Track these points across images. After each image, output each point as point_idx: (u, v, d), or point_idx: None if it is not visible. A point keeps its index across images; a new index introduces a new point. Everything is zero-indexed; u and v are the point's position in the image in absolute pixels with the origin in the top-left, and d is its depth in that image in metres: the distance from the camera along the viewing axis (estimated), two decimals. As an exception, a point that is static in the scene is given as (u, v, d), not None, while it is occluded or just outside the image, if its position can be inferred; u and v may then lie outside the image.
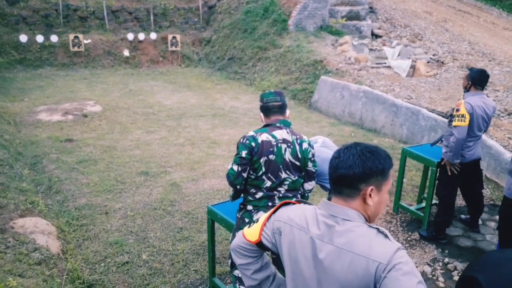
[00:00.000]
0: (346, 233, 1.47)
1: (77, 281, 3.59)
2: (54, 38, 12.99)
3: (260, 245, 1.73)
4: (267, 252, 1.82)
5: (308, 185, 2.94)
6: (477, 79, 4.14)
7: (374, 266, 1.39)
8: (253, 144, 2.71)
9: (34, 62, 12.75)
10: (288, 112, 2.95)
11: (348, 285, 1.43)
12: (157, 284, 3.71)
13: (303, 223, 1.58)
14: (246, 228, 1.80)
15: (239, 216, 2.88)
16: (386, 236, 1.46)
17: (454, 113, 4.10)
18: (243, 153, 2.72)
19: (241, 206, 2.90)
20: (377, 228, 1.47)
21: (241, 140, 2.77)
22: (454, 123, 4.08)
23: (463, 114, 4.03)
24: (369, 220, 1.54)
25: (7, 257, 3.45)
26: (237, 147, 2.78)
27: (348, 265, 1.43)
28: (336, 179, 1.54)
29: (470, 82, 4.18)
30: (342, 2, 13.75)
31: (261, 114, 2.93)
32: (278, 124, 2.82)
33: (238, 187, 2.81)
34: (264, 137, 2.74)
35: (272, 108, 2.85)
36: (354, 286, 1.43)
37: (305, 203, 1.71)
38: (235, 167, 2.74)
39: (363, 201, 1.51)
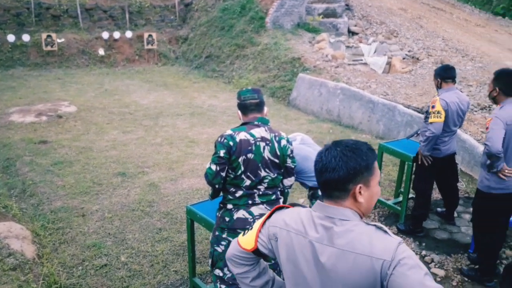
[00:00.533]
0: (345, 234, 1.46)
1: (54, 286, 3.52)
2: (26, 38, 12.67)
3: (256, 252, 1.70)
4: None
5: (287, 181, 2.94)
6: (444, 73, 4.24)
7: (379, 263, 1.38)
8: (231, 143, 2.69)
9: (5, 62, 12.41)
10: (266, 109, 2.94)
11: (353, 285, 1.43)
12: (137, 286, 3.66)
13: (299, 227, 1.56)
14: (240, 237, 1.76)
15: (219, 215, 2.86)
16: (385, 231, 1.45)
17: (430, 110, 4.17)
18: (221, 152, 2.69)
19: (221, 205, 2.89)
20: (375, 225, 1.47)
21: (219, 139, 2.74)
22: (430, 120, 4.15)
23: (438, 111, 4.11)
24: (362, 215, 1.53)
25: (-20, 264, 3.35)
26: (215, 146, 2.75)
27: (352, 265, 1.42)
28: (323, 183, 1.53)
29: (439, 79, 4.28)
30: (318, 0, 13.84)
31: (239, 112, 2.90)
32: (256, 122, 2.80)
33: (217, 186, 2.78)
34: (242, 135, 2.72)
35: (249, 106, 2.83)
36: (359, 286, 1.42)
37: (299, 206, 1.69)
38: (213, 167, 2.71)
39: (354, 200, 1.50)
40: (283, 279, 1.70)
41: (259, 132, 2.77)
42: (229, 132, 2.75)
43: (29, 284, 3.33)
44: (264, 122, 2.83)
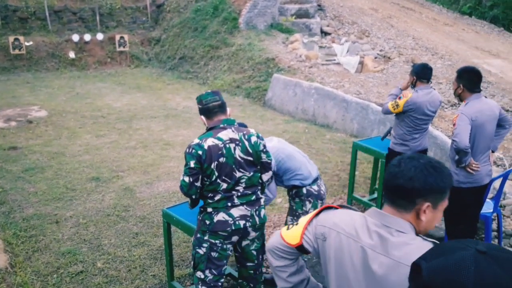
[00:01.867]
0: (402, 246, 1.42)
1: (27, 296, 3.43)
2: (-8, 41, 12.30)
3: (300, 248, 1.68)
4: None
5: (265, 176, 2.93)
6: (421, 73, 4.33)
7: None
8: (199, 152, 2.66)
9: (-29, 66, 12.02)
10: (229, 110, 2.92)
11: None
12: (114, 292, 3.61)
13: (351, 231, 1.53)
14: (284, 230, 1.74)
15: (200, 219, 2.86)
16: None
17: (397, 99, 4.29)
18: (192, 163, 2.66)
19: (201, 209, 2.88)
20: (432, 241, 1.44)
21: (187, 150, 2.71)
22: (389, 104, 4.31)
23: (398, 104, 4.26)
24: (418, 233, 1.50)
25: None
26: (185, 158, 2.72)
27: (405, 278, 1.35)
28: (392, 188, 1.49)
29: (415, 77, 4.36)
30: (291, 0, 13.94)
31: (203, 117, 2.86)
32: (221, 125, 2.77)
33: (194, 196, 2.77)
34: (210, 142, 2.69)
35: (213, 109, 2.80)
36: None
37: (348, 208, 1.66)
38: (186, 178, 2.69)
39: (416, 216, 1.46)
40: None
41: (226, 134, 2.74)
42: (196, 141, 2.72)
43: (2, 294, 3.24)
44: (230, 123, 2.80)
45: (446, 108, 7.76)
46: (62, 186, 5.51)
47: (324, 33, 13.36)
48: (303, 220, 1.72)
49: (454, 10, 18.89)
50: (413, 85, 4.39)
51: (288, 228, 1.75)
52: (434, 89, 4.42)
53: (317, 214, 1.68)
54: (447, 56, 11.29)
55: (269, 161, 2.90)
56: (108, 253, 4.14)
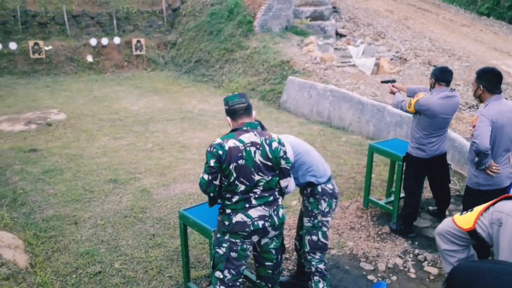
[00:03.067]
0: None
1: (47, 295, 3.49)
2: (13, 46, 12.57)
3: (472, 233, 1.70)
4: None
5: (283, 182, 2.95)
6: (439, 75, 4.28)
7: None
8: (220, 152, 2.71)
9: (-7, 70, 12.30)
10: (254, 113, 2.96)
11: None
12: (131, 293, 3.65)
13: None
14: (457, 216, 1.77)
15: (220, 219, 2.92)
16: None
17: (412, 98, 4.30)
18: (211, 162, 2.73)
19: (221, 210, 2.93)
20: None
21: (209, 149, 2.77)
22: (407, 103, 4.34)
23: (410, 103, 4.27)
24: None
25: (-29, 275, 3.32)
26: (206, 156, 2.78)
27: None
28: None
29: (433, 79, 4.32)
30: (306, 3, 13.92)
31: (228, 118, 2.92)
32: (244, 128, 2.81)
33: (212, 194, 2.82)
34: (231, 143, 2.74)
35: (238, 111, 2.85)
36: None
37: None
38: (206, 176, 2.75)
39: None
40: None
41: (248, 137, 2.78)
42: (218, 141, 2.78)
43: (23, 293, 3.30)
44: (253, 127, 2.85)
45: (464, 110, 7.65)
46: (80, 188, 5.60)
47: (339, 35, 13.31)
48: (479, 207, 1.75)
49: (471, 11, 18.64)
50: (432, 87, 4.35)
51: (461, 214, 1.78)
52: (455, 94, 4.31)
53: (494, 203, 1.69)
54: (464, 58, 11.14)
55: (288, 167, 2.92)
56: (125, 254, 4.19)
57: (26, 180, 5.79)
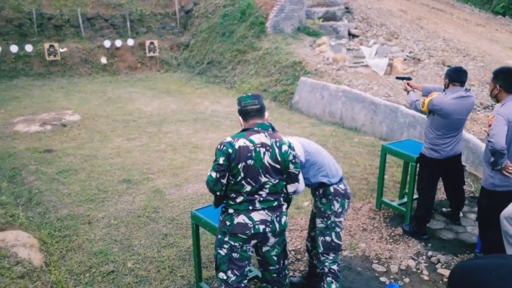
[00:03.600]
0: None
1: (62, 293, 3.54)
2: (28, 48, 12.78)
3: None
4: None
5: (290, 187, 2.93)
6: (453, 75, 4.23)
7: None
8: (230, 150, 2.70)
9: (9, 72, 12.52)
10: (267, 114, 2.95)
11: None
12: (144, 292, 3.68)
13: None
14: None
15: (221, 219, 2.89)
16: None
17: (426, 98, 4.27)
18: (220, 160, 2.71)
19: (223, 209, 2.91)
20: None
21: (218, 147, 2.76)
22: (421, 102, 4.31)
23: (423, 103, 4.25)
24: None
25: (-12, 273, 3.38)
26: (215, 154, 2.77)
27: None
28: None
29: (447, 80, 4.27)
30: (318, 3, 13.89)
31: (240, 118, 2.92)
32: (256, 128, 2.80)
33: (218, 193, 2.80)
34: (241, 142, 2.73)
35: (250, 112, 2.84)
36: None
37: None
38: (213, 174, 2.73)
39: None
40: None
41: (258, 138, 2.77)
42: (228, 139, 2.77)
43: (38, 292, 3.35)
44: (265, 128, 2.83)
45: (479, 110, 7.55)
46: (94, 188, 5.66)
47: (352, 36, 13.25)
48: None
49: (486, 10, 18.39)
50: (446, 87, 4.31)
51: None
52: (471, 93, 4.26)
53: None
54: (479, 58, 10.99)
55: (296, 172, 2.89)
56: (138, 253, 4.22)
57: (41, 180, 5.88)
